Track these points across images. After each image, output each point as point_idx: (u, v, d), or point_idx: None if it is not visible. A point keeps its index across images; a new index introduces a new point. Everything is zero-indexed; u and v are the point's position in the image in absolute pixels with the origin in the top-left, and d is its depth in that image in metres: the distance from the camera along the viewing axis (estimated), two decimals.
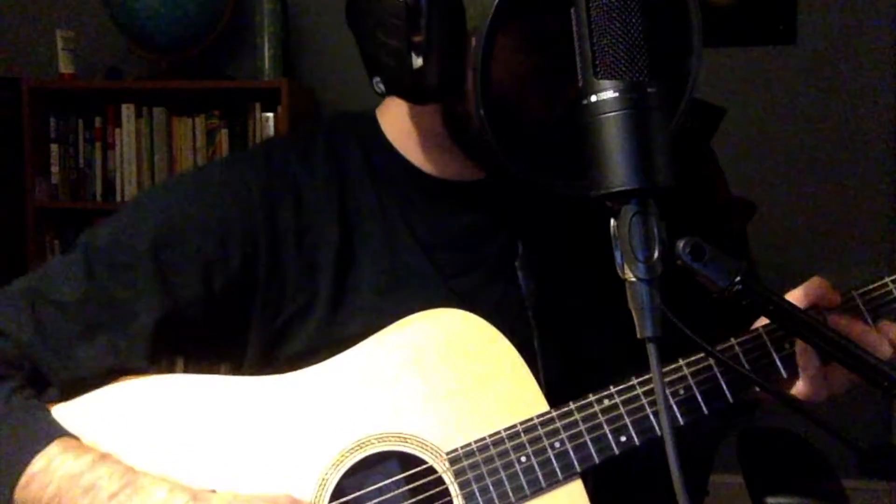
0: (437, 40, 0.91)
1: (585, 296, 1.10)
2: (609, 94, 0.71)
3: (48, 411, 0.94)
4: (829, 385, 0.98)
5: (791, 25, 2.97)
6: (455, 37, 0.91)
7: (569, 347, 1.06)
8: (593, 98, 0.72)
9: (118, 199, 3.03)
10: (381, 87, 0.98)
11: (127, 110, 3.03)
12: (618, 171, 0.71)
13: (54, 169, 3.05)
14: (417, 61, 0.91)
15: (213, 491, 0.92)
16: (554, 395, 0.98)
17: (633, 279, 0.71)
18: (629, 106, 0.71)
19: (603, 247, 0.75)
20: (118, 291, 0.98)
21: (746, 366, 0.97)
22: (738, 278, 0.80)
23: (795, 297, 0.98)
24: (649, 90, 0.72)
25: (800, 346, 0.97)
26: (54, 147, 3.05)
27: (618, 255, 0.72)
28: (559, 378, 1.00)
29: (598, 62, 0.72)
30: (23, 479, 0.89)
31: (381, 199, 1.05)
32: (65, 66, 3.00)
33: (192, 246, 0.99)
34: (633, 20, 0.71)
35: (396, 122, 1.08)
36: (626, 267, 0.72)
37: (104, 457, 0.91)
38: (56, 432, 0.92)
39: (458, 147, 1.02)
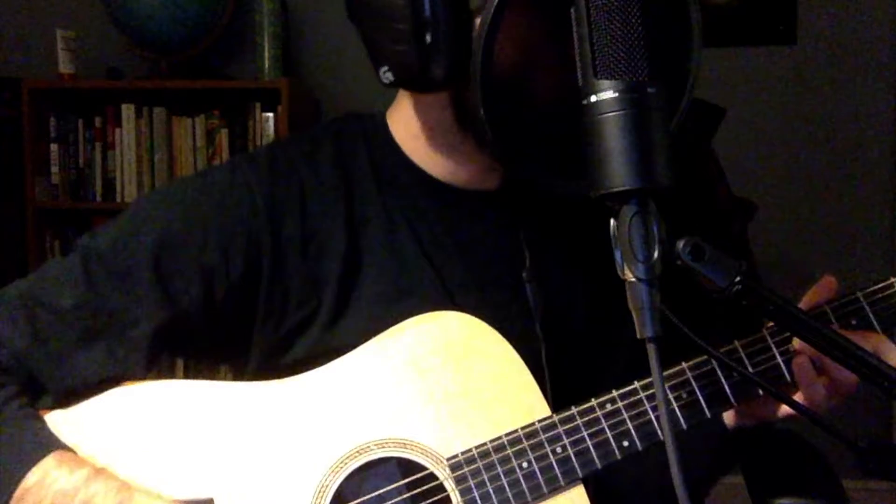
0: (443, 21, 0.90)
1: (593, 307, 1.09)
2: (609, 94, 0.71)
3: (43, 421, 0.93)
4: (827, 399, 0.97)
5: (791, 25, 2.97)
6: (460, 17, 0.91)
7: (577, 360, 1.05)
8: (593, 98, 0.72)
9: (118, 199, 3.02)
10: (388, 77, 0.95)
11: (127, 110, 3.02)
12: (618, 171, 0.71)
13: (54, 169, 3.04)
14: (423, 44, 0.91)
15: (211, 500, 0.92)
16: (561, 408, 0.98)
17: (633, 279, 0.71)
18: (629, 106, 0.71)
19: (609, 256, 0.74)
20: (117, 298, 0.97)
21: (750, 368, 0.97)
22: (738, 278, 0.80)
23: (807, 298, 0.98)
24: (649, 90, 0.72)
25: (796, 361, 0.97)
26: (54, 147, 3.04)
27: (618, 255, 0.72)
28: (567, 391, 0.99)
29: (597, 62, 0.72)
30: (17, 493, 0.88)
31: (386, 205, 1.04)
32: (65, 66, 3.00)
33: (194, 253, 0.98)
34: (633, 20, 0.71)
35: (406, 123, 1.06)
36: (625, 267, 0.72)
37: (99, 472, 0.90)
38: (51, 444, 0.91)
39: (470, 138, 1.00)
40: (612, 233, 0.73)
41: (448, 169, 1.05)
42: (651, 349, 0.71)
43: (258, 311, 1.00)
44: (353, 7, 0.97)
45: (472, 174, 1.05)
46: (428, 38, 0.90)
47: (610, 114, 0.71)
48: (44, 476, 0.88)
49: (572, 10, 0.74)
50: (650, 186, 0.71)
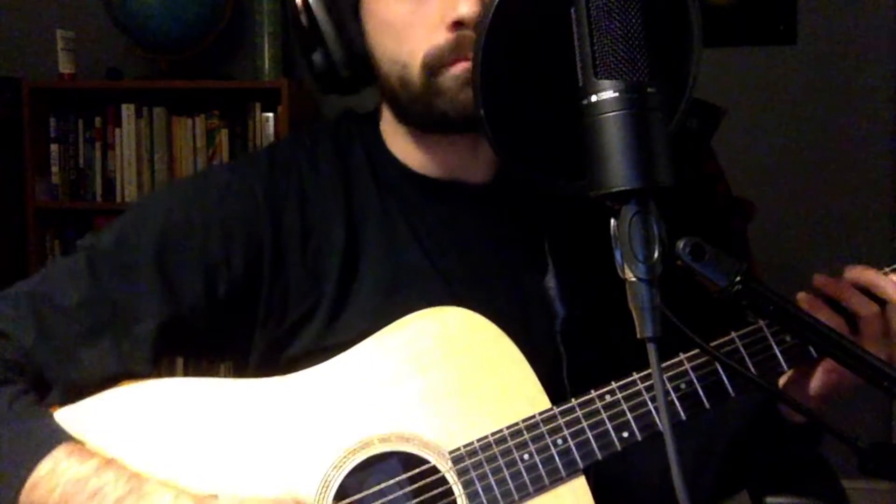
0: (334, 25, 1.02)
1: (593, 304, 1.09)
2: (609, 95, 0.71)
3: (51, 416, 0.94)
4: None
5: (791, 25, 2.97)
6: (347, 16, 1.02)
7: (580, 358, 1.05)
8: (593, 98, 0.72)
9: (118, 199, 3.03)
10: (315, 86, 1.07)
11: (127, 110, 3.02)
12: (618, 171, 0.71)
13: (54, 169, 3.05)
14: (317, 51, 1.03)
15: (215, 496, 0.92)
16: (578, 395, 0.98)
17: (633, 279, 0.71)
18: (629, 106, 0.71)
19: (606, 250, 0.74)
20: (121, 294, 0.98)
21: (747, 359, 0.97)
22: (739, 278, 0.80)
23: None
24: (649, 90, 0.72)
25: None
26: (54, 147, 3.05)
27: (618, 255, 0.72)
28: (583, 382, 0.99)
29: (598, 62, 0.72)
30: (28, 483, 0.89)
31: (383, 200, 1.05)
32: (65, 66, 3.00)
33: (196, 249, 0.99)
34: (634, 20, 0.71)
35: (387, 122, 1.09)
36: (626, 267, 0.72)
37: (109, 462, 0.91)
38: (61, 436, 0.91)
39: (415, 129, 1.05)
40: (612, 233, 0.73)
41: (426, 162, 1.07)
42: (651, 349, 0.71)
43: (260, 307, 1.01)
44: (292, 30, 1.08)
45: (449, 166, 1.07)
46: (318, 45, 1.03)
47: (610, 114, 0.71)
48: (55, 465, 0.89)
49: (572, 10, 0.74)
50: (650, 186, 0.71)
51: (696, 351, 0.98)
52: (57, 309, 0.97)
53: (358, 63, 1.03)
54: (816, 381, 1.01)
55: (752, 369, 0.97)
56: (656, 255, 0.71)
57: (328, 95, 1.09)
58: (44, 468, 0.89)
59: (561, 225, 1.11)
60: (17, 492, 0.89)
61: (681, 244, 0.78)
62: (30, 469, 0.89)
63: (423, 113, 1.01)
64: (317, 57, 1.03)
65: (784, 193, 2.98)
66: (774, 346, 0.98)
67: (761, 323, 0.99)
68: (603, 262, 0.99)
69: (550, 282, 1.08)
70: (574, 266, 1.09)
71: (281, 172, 1.04)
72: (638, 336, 0.71)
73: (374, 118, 1.11)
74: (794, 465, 1.12)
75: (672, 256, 0.77)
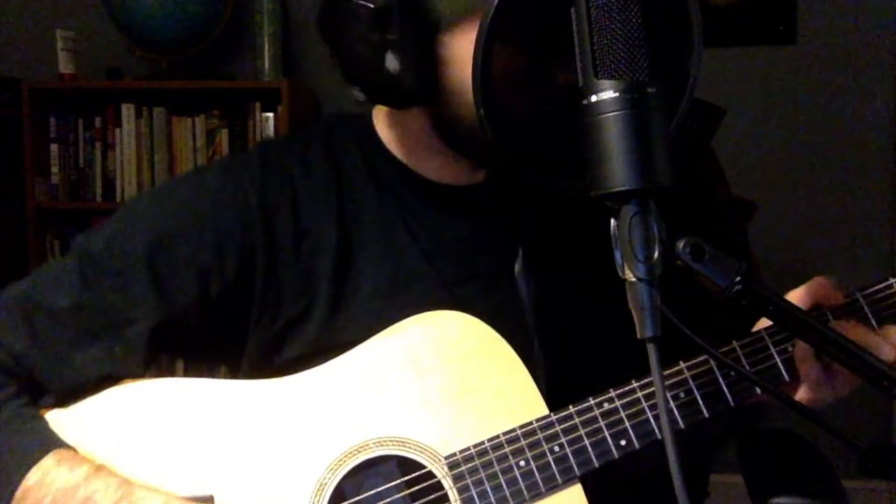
0: (409, 42, 0.91)
1: (588, 301, 1.09)
2: (609, 94, 0.71)
3: (43, 420, 0.93)
4: (833, 390, 0.97)
5: (791, 25, 2.97)
6: (426, 37, 0.92)
7: (570, 354, 1.05)
8: (593, 98, 0.72)
9: (118, 199, 3.03)
10: (360, 96, 0.98)
11: (127, 110, 3.02)
12: (618, 171, 0.71)
13: (54, 169, 3.05)
14: (391, 66, 0.92)
15: (211, 497, 0.92)
16: (555, 402, 0.98)
17: (633, 279, 0.71)
18: (629, 106, 0.71)
19: (605, 249, 0.74)
20: (113, 298, 0.97)
21: (748, 368, 0.97)
22: (739, 278, 0.80)
23: (797, 296, 0.97)
24: (649, 90, 0.71)
25: (799, 353, 0.97)
26: (54, 147, 3.05)
27: (618, 255, 0.72)
28: (561, 385, 0.99)
29: (598, 62, 0.72)
30: (18, 493, 0.89)
31: (380, 201, 1.05)
32: (65, 66, 3.00)
33: (188, 252, 0.98)
34: (634, 20, 0.71)
35: (389, 127, 1.07)
36: (626, 267, 0.72)
37: (99, 469, 0.91)
38: (51, 443, 0.91)
39: (449, 149, 1.02)
40: (612, 233, 0.73)
41: (433, 168, 1.06)
42: (651, 349, 0.71)
43: (253, 310, 1.01)
44: (324, 25, 0.98)
45: (458, 172, 1.06)
46: (394, 63, 0.91)
47: (610, 114, 0.71)
48: (43, 476, 0.89)
49: (573, 10, 0.74)
50: (650, 186, 0.71)
51: (696, 359, 0.98)
52: (48, 313, 0.96)
53: (419, 83, 0.94)
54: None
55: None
56: (656, 255, 0.71)
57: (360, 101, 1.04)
58: (33, 478, 0.89)
59: (554, 224, 1.11)
60: (7, 502, 0.88)
61: (681, 244, 0.78)
62: (20, 479, 0.89)
63: (470, 150, 0.99)
64: (375, 72, 0.94)
65: (784, 193, 2.98)
66: (776, 356, 0.98)
67: (762, 332, 0.98)
68: (591, 264, 1.00)
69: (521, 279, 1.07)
70: (554, 269, 1.09)
71: (273, 176, 1.03)
72: (638, 336, 0.71)
73: (368, 119, 1.09)
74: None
75: (672, 256, 0.77)
